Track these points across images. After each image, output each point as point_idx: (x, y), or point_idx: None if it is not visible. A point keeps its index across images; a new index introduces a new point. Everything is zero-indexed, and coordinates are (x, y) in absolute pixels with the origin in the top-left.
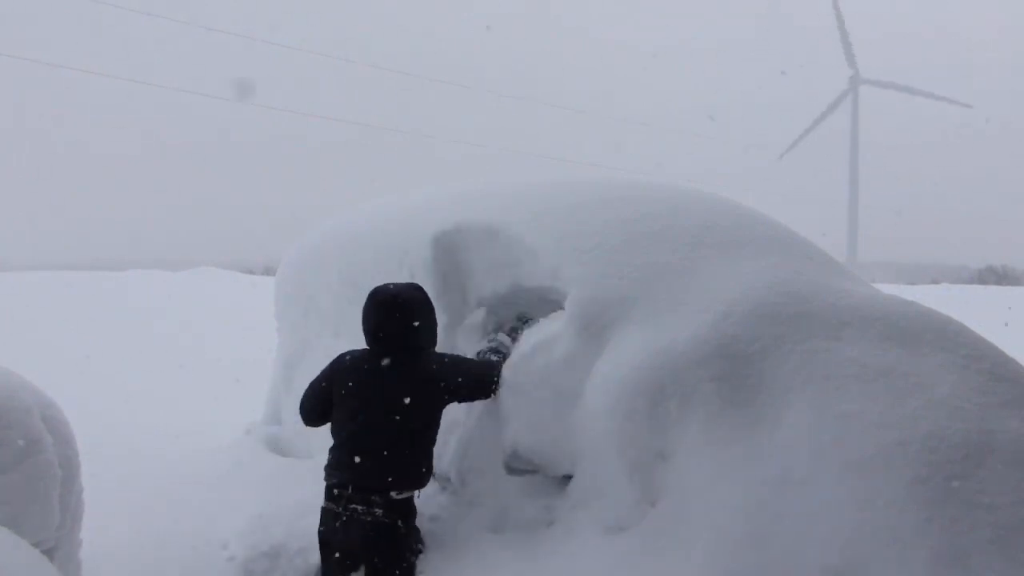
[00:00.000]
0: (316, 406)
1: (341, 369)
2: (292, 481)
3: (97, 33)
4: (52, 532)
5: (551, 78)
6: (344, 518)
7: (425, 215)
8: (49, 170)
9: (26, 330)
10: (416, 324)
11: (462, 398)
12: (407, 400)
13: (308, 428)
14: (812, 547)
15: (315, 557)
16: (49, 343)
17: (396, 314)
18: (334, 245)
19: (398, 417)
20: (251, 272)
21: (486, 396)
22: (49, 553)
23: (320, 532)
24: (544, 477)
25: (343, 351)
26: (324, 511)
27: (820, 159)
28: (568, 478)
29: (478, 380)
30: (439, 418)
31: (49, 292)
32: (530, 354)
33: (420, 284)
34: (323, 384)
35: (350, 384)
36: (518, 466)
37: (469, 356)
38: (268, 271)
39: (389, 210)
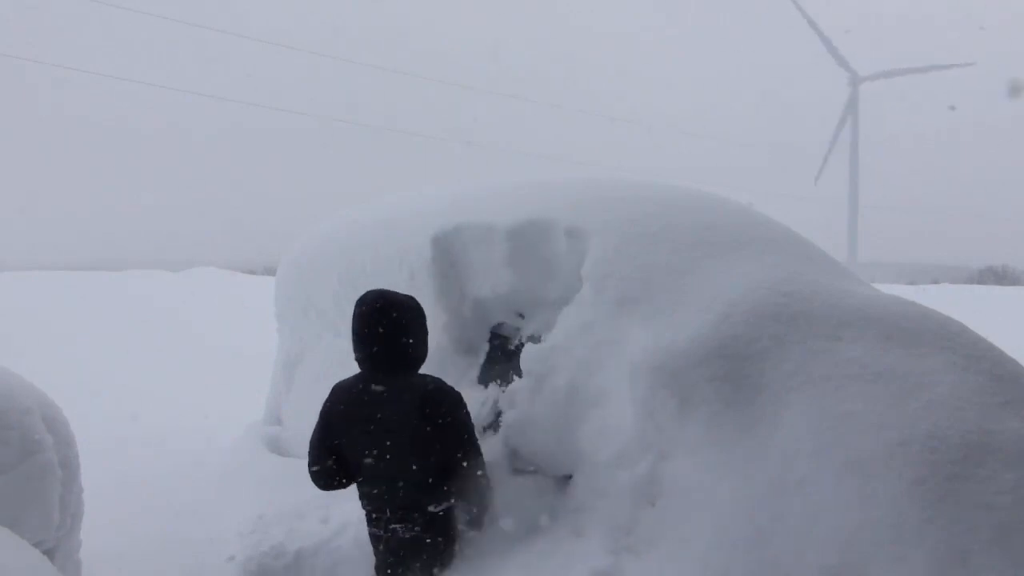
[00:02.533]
0: (322, 458)
1: (335, 406)
2: (292, 481)
3: (96, 33)
4: (52, 532)
5: (552, 77)
6: (386, 539)
7: (425, 215)
8: (49, 170)
9: (26, 330)
10: (410, 339)
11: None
12: (408, 426)
13: (308, 429)
14: (812, 547)
15: (314, 558)
16: (49, 343)
17: (387, 327)
18: (334, 245)
19: (404, 442)
20: (251, 272)
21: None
22: (49, 553)
23: (375, 555)
24: (544, 477)
25: (344, 352)
26: (370, 536)
27: (820, 159)
28: (568, 478)
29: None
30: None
31: (49, 292)
32: (529, 355)
33: (420, 284)
34: (321, 434)
35: (349, 416)
36: (518, 466)
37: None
38: (268, 271)
39: (389, 210)
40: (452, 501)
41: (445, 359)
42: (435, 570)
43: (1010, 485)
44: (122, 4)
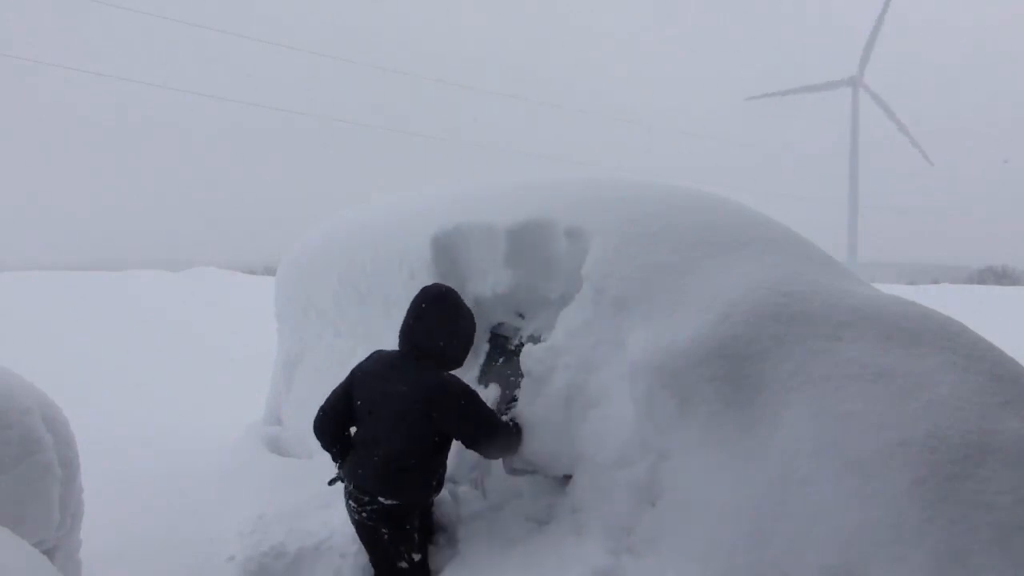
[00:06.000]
0: (332, 407)
1: (362, 367)
2: (292, 481)
3: (97, 33)
4: (52, 532)
5: (552, 77)
6: (349, 511)
7: (425, 215)
8: (49, 170)
9: (26, 330)
10: (446, 329)
11: (462, 439)
12: (409, 409)
13: (308, 429)
14: (812, 547)
15: (314, 557)
16: (49, 343)
17: (429, 313)
18: (334, 245)
19: (401, 424)
20: (251, 272)
21: (492, 453)
22: (49, 553)
23: None
24: (544, 477)
25: (344, 352)
26: None
27: (820, 158)
28: (568, 478)
29: (483, 434)
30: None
31: (49, 292)
32: (529, 355)
33: (420, 284)
34: (343, 387)
35: (365, 385)
36: (518, 466)
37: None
38: (268, 271)
39: (389, 210)
40: (408, 499)
41: None
42: (387, 558)
43: (1010, 485)
44: (122, 4)
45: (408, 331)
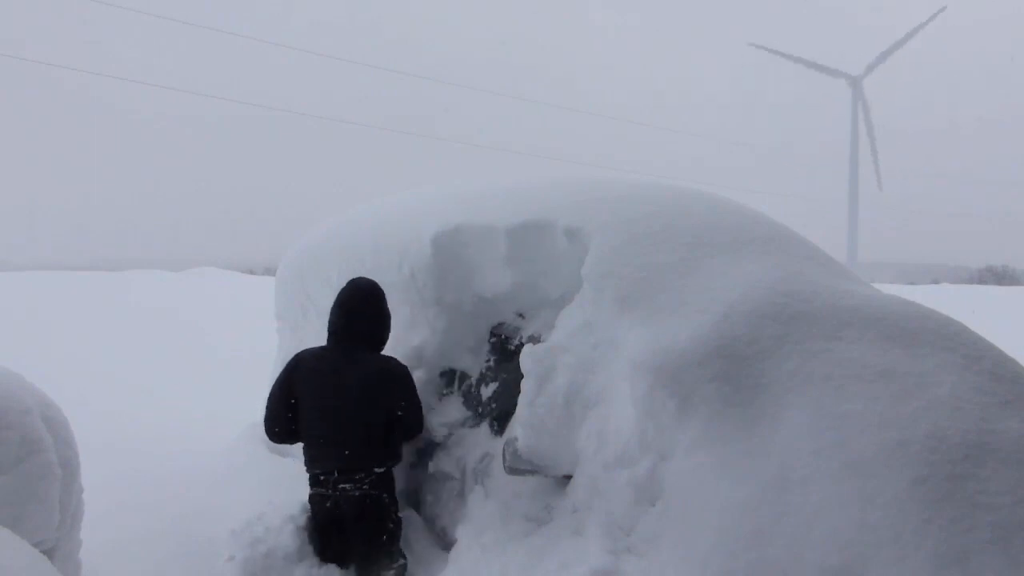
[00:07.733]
0: (280, 415)
1: (302, 371)
2: (292, 481)
3: (98, 33)
4: (52, 532)
5: (552, 77)
6: (335, 498)
7: (425, 215)
8: (49, 170)
9: (26, 330)
10: (377, 316)
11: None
12: (373, 386)
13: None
14: (812, 547)
15: (314, 557)
16: (49, 343)
17: (368, 306)
18: (334, 245)
19: (366, 404)
20: (251, 272)
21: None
22: (49, 553)
23: (313, 517)
24: (544, 477)
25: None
26: (312, 497)
27: (820, 158)
28: (568, 478)
29: (418, 410)
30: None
31: (49, 292)
32: (529, 355)
33: (420, 283)
34: (282, 391)
35: (314, 381)
36: (518, 466)
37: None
38: (268, 271)
39: (389, 210)
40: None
41: (445, 358)
42: (380, 521)
43: (1010, 485)
44: (122, 4)
45: (346, 324)
